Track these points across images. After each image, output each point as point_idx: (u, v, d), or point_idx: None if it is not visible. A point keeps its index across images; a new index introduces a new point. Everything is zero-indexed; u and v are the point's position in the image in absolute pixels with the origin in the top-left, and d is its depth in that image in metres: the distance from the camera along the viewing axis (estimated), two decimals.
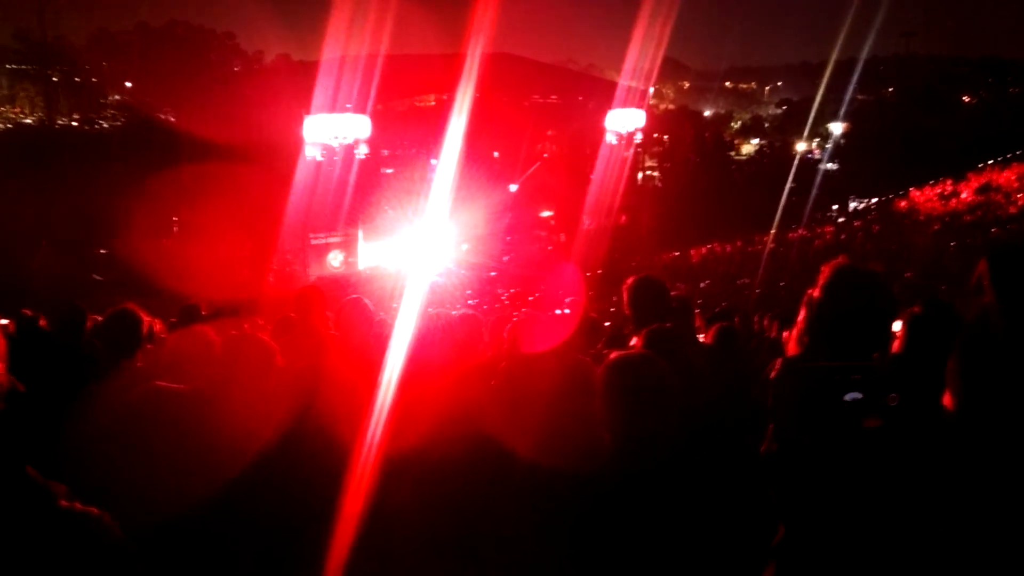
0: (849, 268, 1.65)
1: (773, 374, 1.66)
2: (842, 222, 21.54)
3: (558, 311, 5.65)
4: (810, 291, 1.70)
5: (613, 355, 1.89)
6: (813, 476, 1.54)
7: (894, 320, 2.06)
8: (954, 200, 20.75)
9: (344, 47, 22.66)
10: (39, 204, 16.81)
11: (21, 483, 1.02)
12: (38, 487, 1.02)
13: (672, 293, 3.13)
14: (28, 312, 6.94)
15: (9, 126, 21.57)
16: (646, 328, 2.55)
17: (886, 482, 1.47)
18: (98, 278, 17.67)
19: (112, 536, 1.03)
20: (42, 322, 6.46)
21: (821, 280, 1.65)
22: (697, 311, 5.35)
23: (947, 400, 1.47)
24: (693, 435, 1.84)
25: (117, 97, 23.37)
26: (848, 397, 1.53)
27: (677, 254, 21.60)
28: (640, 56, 24.47)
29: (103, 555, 1.02)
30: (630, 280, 2.91)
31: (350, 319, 3.44)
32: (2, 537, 0.95)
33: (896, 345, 2.47)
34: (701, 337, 3.89)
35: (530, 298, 14.59)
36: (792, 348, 1.98)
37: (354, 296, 3.50)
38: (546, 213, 25.24)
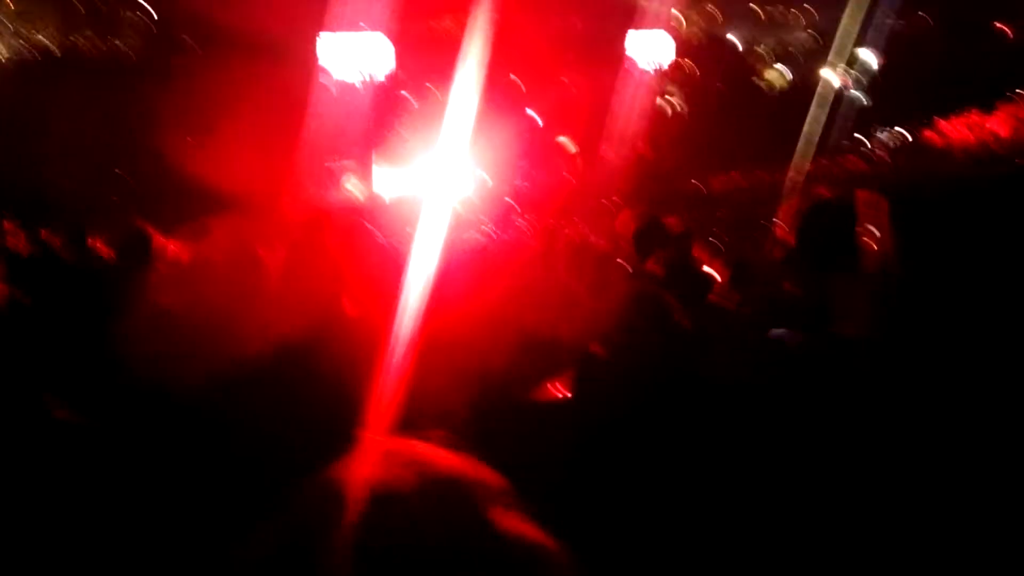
0: (814, 208, 1.67)
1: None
2: (867, 153, 21.13)
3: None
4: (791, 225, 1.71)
5: (613, 296, 1.93)
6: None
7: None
8: (987, 130, 20.23)
9: None
10: (56, 123, 16.82)
11: (19, 396, 1.06)
12: (36, 400, 1.06)
13: (674, 223, 3.14)
14: (46, 233, 7.04)
15: (23, 44, 21.37)
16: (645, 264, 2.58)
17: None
18: (115, 199, 17.77)
19: (106, 445, 1.08)
20: (58, 242, 6.56)
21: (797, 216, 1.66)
22: (702, 242, 5.32)
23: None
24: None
25: (133, 15, 23.07)
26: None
27: (698, 182, 21.34)
28: None
29: (94, 461, 1.06)
30: (626, 215, 2.92)
31: (357, 247, 3.46)
32: (5, 443, 0.99)
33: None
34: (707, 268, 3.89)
35: (548, 224, 14.53)
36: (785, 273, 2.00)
37: (360, 222, 3.52)
38: (565, 140, 24.93)
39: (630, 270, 3.58)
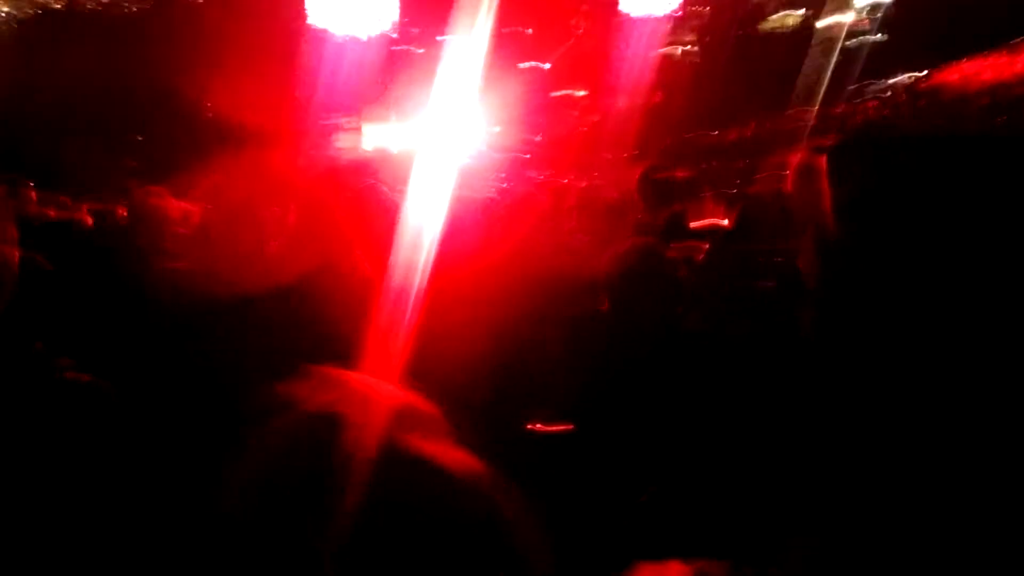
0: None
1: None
2: (883, 99, 20.75)
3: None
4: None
5: (615, 247, 1.94)
6: None
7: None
8: (1007, 71, 19.80)
9: None
10: (64, 87, 16.78)
11: (29, 356, 1.09)
12: (44, 359, 1.10)
13: (680, 174, 3.13)
14: (64, 199, 7.10)
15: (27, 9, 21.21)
16: (651, 218, 2.59)
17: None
18: (132, 164, 17.80)
19: (111, 403, 1.12)
20: (83, 212, 6.62)
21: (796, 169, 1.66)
22: (713, 193, 5.29)
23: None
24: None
25: None
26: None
27: (712, 132, 21.08)
28: None
29: (102, 419, 1.10)
30: (637, 170, 2.93)
31: (368, 206, 3.46)
32: (9, 403, 1.03)
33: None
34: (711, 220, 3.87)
35: (564, 181, 14.46)
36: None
37: (372, 182, 3.51)
38: (580, 92, 24.63)
39: (637, 223, 3.58)
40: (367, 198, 3.55)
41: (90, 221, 5.93)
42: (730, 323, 2.50)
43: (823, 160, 1.59)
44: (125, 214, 4.58)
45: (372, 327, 2.64)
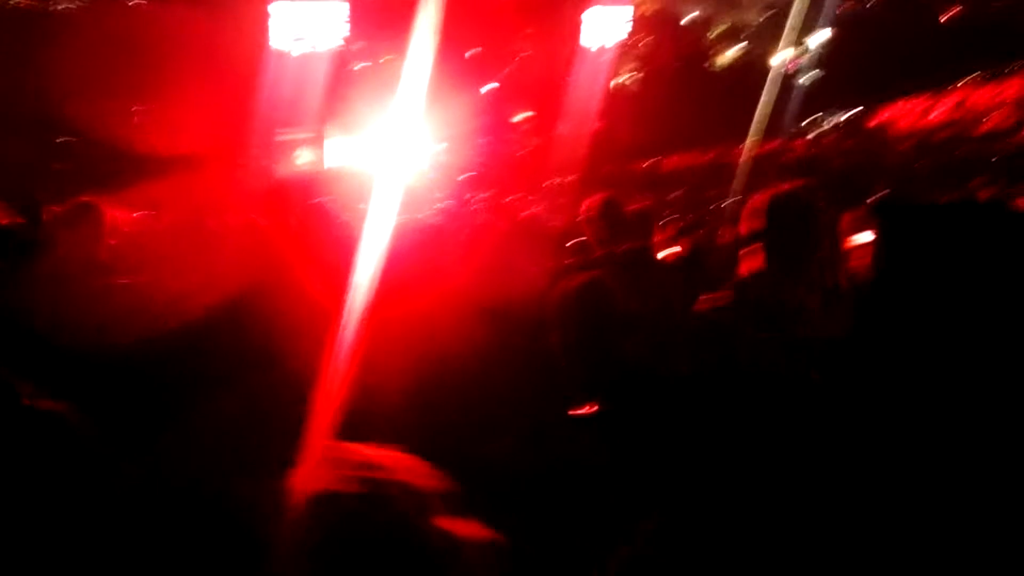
0: (782, 199, 1.69)
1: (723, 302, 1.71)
2: (815, 136, 21.51)
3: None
4: (745, 216, 1.74)
5: (565, 283, 1.92)
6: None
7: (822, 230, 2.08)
8: (929, 117, 20.71)
9: None
10: None
11: None
12: (2, 385, 1.03)
13: (635, 207, 3.17)
14: None
15: None
16: (604, 249, 2.60)
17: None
18: (58, 167, 17.20)
19: (78, 431, 1.05)
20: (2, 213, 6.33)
21: (756, 209, 1.69)
22: (660, 224, 5.39)
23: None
24: (655, 352, 1.90)
25: None
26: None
27: (651, 162, 21.48)
28: None
29: (68, 450, 1.04)
30: (587, 201, 2.93)
31: (313, 225, 3.41)
32: None
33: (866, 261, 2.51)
34: (663, 253, 3.94)
35: (503, 201, 14.52)
36: (744, 267, 2.02)
37: (318, 200, 3.46)
38: (520, 116, 24.82)
39: (586, 253, 3.60)
40: (314, 217, 3.50)
41: (5, 221, 5.68)
42: (677, 358, 2.51)
43: (783, 203, 1.62)
44: (52, 220, 4.42)
45: (317, 348, 2.60)
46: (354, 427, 2.56)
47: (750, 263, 1.95)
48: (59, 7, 20.58)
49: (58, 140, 17.94)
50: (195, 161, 14.05)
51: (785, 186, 1.87)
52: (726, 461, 1.40)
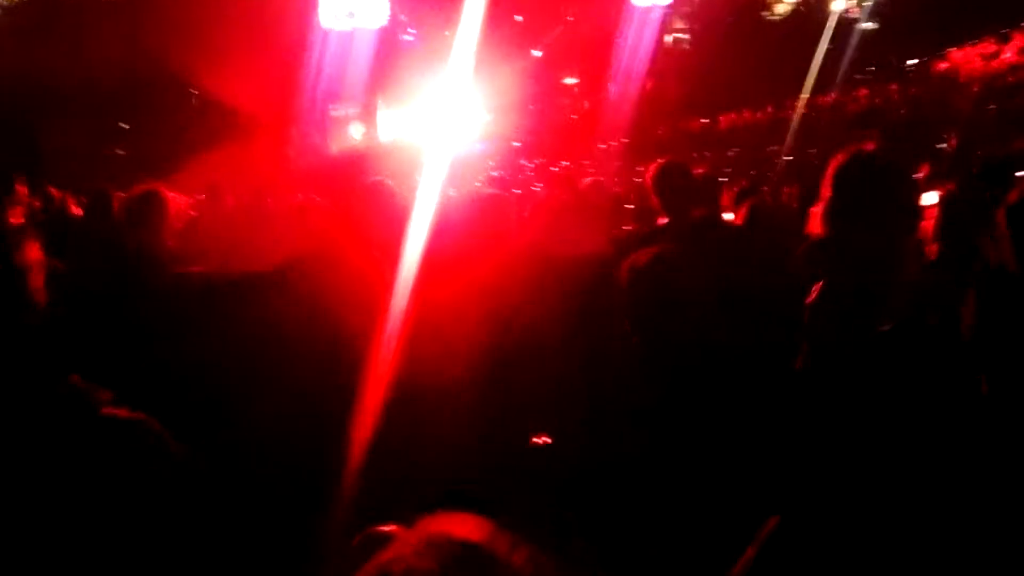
0: (859, 160, 1.61)
1: (812, 296, 1.62)
2: (879, 85, 20.70)
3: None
4: (828, 175, 1.65)
5: (635, 258, 1.84)
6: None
7: (913, 198, 1.97)
8: (996, 61, 19.78)
9: None
10: (54, 73, 16.53)
11: (64, 392, 1.02)
12: (81, 396, 1.02)
13: (697, 170, 3.06)
14: (55, 191, 6.95)
15: None
16: (673, 218, 2.51)
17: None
18: (120, 152, 17.60)
19: (159, 441, 1.05)
20: (71, 203, 6.47)
21: (832, 171, 1.61)
22: (724, 186, 5.23)
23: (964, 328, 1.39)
24: (727, 330, 1.81)
25: None
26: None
27: (706, 121, 21.00)
28: None
29: (149, 461, 1.03)
30: (652, 167, 2.84)
31: (371, 203, 3.38)
32: (47, 446, 0.96)
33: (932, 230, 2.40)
34: (730, 216, 3.82)
35: (553, 169, 14.40)
36: (815, 227, 1.92)
37: (376, 179, 3.44)
38: (570, 80, 24.49)
39: (648, 220, 3.52)
40: (370, 194, 3.48)
41: (78, 212, 5.80)
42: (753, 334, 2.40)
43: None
44: (118, 206, 4.48)
45: (381, 318, 2.60)
46: (415, 407, 2.56)
47: (830, 226, 1.85)
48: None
49: (115, 125, 18.32)
50: (249, 140, 14.23)
51: (868, 147, 1.77)
52: (857, 458, 1.33)
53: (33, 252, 1.18)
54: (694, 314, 1.76)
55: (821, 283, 1.76)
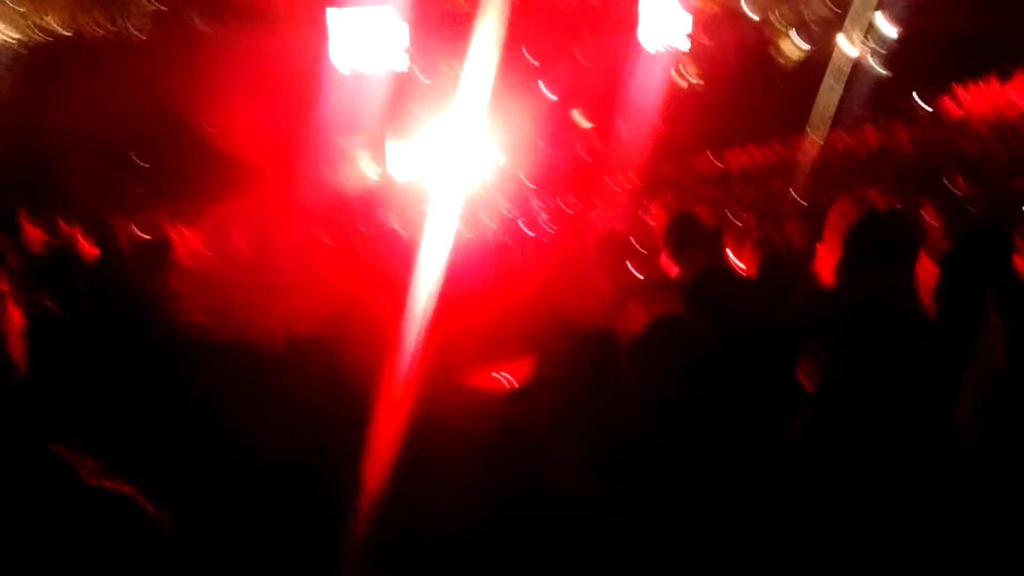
0: (869, 217, 1.60)
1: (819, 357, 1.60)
2: (886, 125, 20.77)
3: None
4: (835, 224, 1.64)
5: (635, 321, 1.81)
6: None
7: (918, 252, 1.96)
8: (1002, 101, 19.82)
9: None
10: (66, 108, 16.76)
11: (43, 461, 0.98)
12: (61, 465, 0.98)
13: (706, 219, 3.05)
14: (65, 226, 6.97)
15: (31, 27, 21.22)
16: (682, 269, 2.49)
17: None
18: (129, 184, 17.76)
19: (143, 514, 1.00)
20: (80, 239, 6.49)
21: (840, 222, 1.60)
22: (733, 227, 5.19)
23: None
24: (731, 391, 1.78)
25: (147, 3, 22.95)
26: None
27: (715, 158, 21.09)
28: None
29: (133, 535, 0.99)
30: (664, 215, 2.84)
31: (377, 240, 3.39)
32: (26, 520, 0.92)
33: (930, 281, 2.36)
34: (734, 257, 3.77)
35: (567, 211, 14.42)
36: (827, 275, 1.90)
37: (382, 214, 3.45)
38: (581, 119, 24.66)
39: (658, 268, 3.50)
40: (378, 232, 3.49)
41: (86, 247, 5.79)
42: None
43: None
44: (129, 250, 4.44)
45: (383, 362, 2.56)
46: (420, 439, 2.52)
47: (837, 274, 1.83)
48: (131, 34, 21.23)
49: (129, 160, 18.54)
50: (259, 174, 14.36)
51: (876, 196, 1.76)
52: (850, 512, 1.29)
53: (15, 317, 1.15)
54: (691, 382, 1.73)
55: (824, 344, 1.74)
